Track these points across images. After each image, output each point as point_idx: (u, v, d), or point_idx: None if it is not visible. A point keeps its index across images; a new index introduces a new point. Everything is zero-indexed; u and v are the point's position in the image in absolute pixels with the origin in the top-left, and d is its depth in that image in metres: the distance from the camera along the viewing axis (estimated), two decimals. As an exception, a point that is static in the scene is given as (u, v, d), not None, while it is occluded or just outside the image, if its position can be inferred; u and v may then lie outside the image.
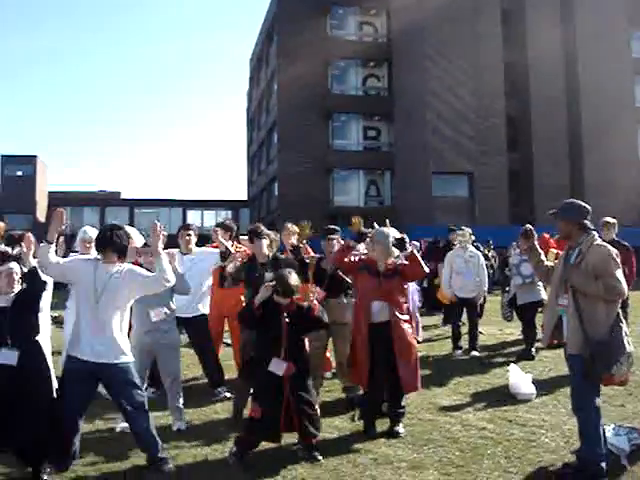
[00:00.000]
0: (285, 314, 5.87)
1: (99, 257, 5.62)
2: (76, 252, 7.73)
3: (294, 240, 8.32)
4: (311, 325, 6.10)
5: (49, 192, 55.95)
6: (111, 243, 5.53)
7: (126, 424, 6.49)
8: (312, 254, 8.03)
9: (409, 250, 6.68)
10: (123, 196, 58.89)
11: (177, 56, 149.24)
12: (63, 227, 5.51)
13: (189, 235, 8.14)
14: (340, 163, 41.50)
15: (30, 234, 6.76)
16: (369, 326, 6.55)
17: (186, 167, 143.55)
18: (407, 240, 6.75)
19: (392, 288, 6.60)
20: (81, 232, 7.73)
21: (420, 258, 6.79)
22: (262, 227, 7.56)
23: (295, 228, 8.39)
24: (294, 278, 6.00)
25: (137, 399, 5.52)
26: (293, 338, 5.87)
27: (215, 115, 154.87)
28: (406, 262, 6.72)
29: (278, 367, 5.77)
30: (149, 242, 6.18)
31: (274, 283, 5.96)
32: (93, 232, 7.61)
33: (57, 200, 54.55)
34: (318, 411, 5.96)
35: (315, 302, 6.04)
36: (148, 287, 5.65)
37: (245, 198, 56.56)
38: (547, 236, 10.53)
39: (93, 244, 7.19)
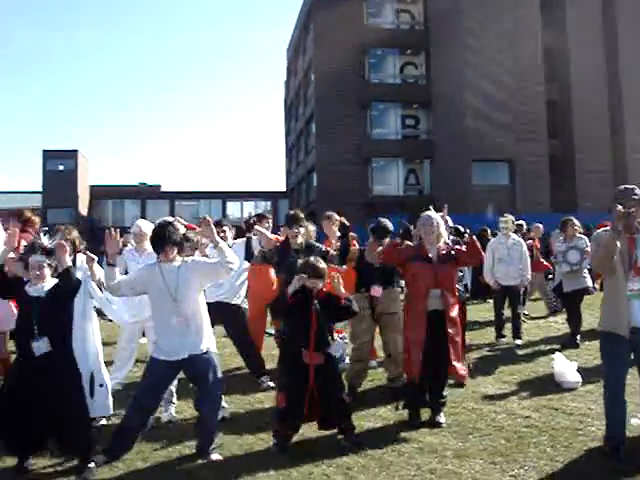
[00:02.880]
0: (315, 302, 5.89)
1: (158, 258, 5.70)
2: (125, 246, 7.84)
3: (335, 229, 8.33)
4: (340, 313, 6.09)
5: (90, 186, 56.60)
6: (168, 239, 5.61)
7: (172, 414, 6.63)
8: (356, 246, 8.03)
9: (467, 237, 6.63)
10: (163, 189, 59.35)
11: (214, 48, 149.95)
12: (120, 247, 5.66)
13: (223, 231, 8.22)
14: (378, 152, 41.37)
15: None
16: (425, 315, 6.44)
17: (225, 159, 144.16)
18: (462, 229, 6.71)
19: (446, 274, 6.51)
20: (134, 227, 7.84)
21: (478, 243, 6.69)
22: (301, 214, 7.53)
23: (336, 216, 8.39)
24: (322, 263, 6.04)
25: (215, 389, 5.67)
26: (321, 327, 5.87)
27: (253, 106, 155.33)
28: (461, 247, 6.67)
29: (306, 356, 5.78)
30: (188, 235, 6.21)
31: (304, 270, 5.97)
32: (145, 225, 7.71)
33: (99, 194, 55.29)
34: (346, 399, 5.96)
35: (342, 290, 6.01)
36: (214, 274, 5.74)
37: (284, 189, 56.71)
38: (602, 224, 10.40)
39: (145, 237, 7.34)
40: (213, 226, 5.72)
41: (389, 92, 42.08)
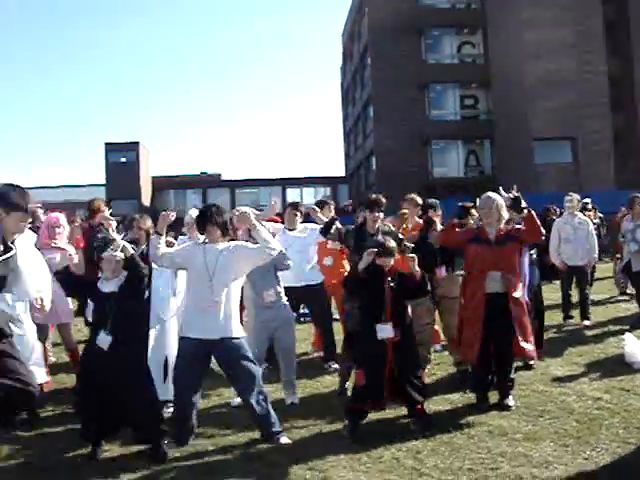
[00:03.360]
0: (388, 279, 5.88)
1: (205, 239, 5.79)
2: (184, 235, 7.94)
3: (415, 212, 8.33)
4: (414, 291, 6.07)
5: (152, 177, 57.45)
6: (213, 221, 5.69)
7: (239, 399, 6.71)
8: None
9: (525, 212, 6.49)
10: (224, 177, 59.88)
11: (270, 35, 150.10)
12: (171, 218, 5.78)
13: (296, 214, 8.35)
14: (438, 134, 41.02)
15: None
16: (483, 297, 6.42)
17: (284, 146, 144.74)
18: (522, 201, 6.56)
19: (506, 255, 6.42)
20: (187, 216, 7.94)
21: (537, 218, 6.56)
22: (383, 199, 7.46)
23: (418, 199, 8.36)
24: (392, 241, 6.05)
25: (251, 373, 5.67)
26: (396, 304, 5.87)
27: (310, 92, 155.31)
28: (520, 226, 6.57)
29: (384, 331, 5.79)
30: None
31: (375, 248, 5.99)
32: (197, 214, 7.82)
33: (160, 185, 56.07)
34: (425, 379, 5.95)
35: (418, 270, 5.99)
36: (256, 258, 5.79)
37: (343, 174, 56.65)
38: None
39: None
40: (251, 212, 5.77)
41: (447, 73, 41.64)
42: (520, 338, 6.31)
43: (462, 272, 7.19)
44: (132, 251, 5.71)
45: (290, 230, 8.31)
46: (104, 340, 5.46)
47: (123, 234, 7.04)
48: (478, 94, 42.55)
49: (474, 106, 42.80)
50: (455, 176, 41.13)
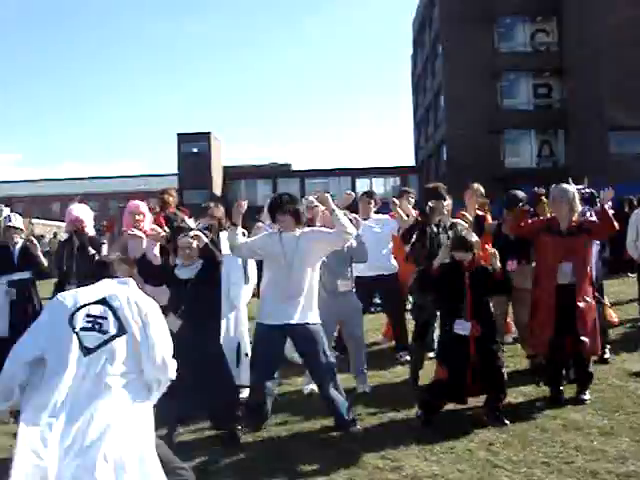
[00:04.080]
0: (467, 274, 5.85)
1: (280, 228, 5.87)
2: (261, 222, 8.04)
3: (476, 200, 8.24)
4: (494, 287, 6.00)
5: (223, 167, 58.15)
6: (284, 210, 5.75)
7: (314, 386, 6.77)
8: (490, 221, 7.93)
9: (599, 205, 6.41)
10: (294, 168, 60.22)
11: (340, 25, 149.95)
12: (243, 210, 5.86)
13: (370, 202, 8.36)
14: (510, 123, 40.32)
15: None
16: (554, 289, 6.35)
17: (354, 136, 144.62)
18: (597, 195, 6.48)
19: (577, 247, 6.33)
20: (266, 204, 8.04)
21: (610, 213, 6.45)
22: (442, 187, 7.45)
23: (481, 189, 8.27)
24: (473, 235, 6.01)
25: (326, 360, 5.74)
26: (476, 298, 5.84)
27: (381, 81, 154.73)
28: (593, 219, 6.47)
29: (463, 327, 5.78)
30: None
31: (453, 242, 5.98)
32: None
33: (231, 174, 56.70)
34: (505, 375, 5.91)
35: (499, 265, 5.95)
36: (333, 242, 5.82)
37: (413, 164, 56.29)
38: None
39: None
40: (329, 196, 5.79)
41: (520, 61, 40.86)
42: (581, 332, 6.22)
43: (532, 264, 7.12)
44: (206, 239, 5.82)
45: (364, 219, 8.24)
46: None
47: (197, 222, 7.19)
48: (552, 82, 41.66)
49: (548, 95, 41.93)
50: (527, 166, 40.40)
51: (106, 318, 3.70)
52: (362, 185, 50.92)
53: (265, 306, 5.90)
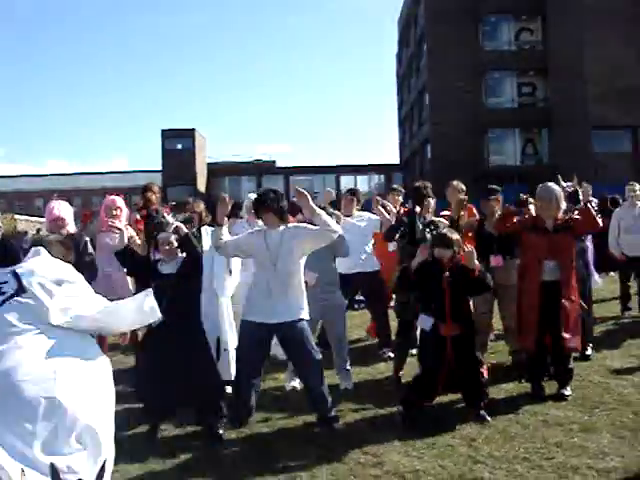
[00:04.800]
0: (447, 273, 5.86)
1: (263, 225, 5.86)
2: (240, 218, 8.03)
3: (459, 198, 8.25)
4: (474, 287, 6.01)
5: (208, 164, 57.99)
6: (269, 206, 5.73)
7: (295, 383, 6.79)
8: (475, 216, 7.95)
9: (582, 203, 6.47)
10: (278, 165, 60.17)
11: (323, 24, 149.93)
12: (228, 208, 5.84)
13: (352, 199, 8.41)
14: (494, 122, 40.49)
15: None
16: (539, 286, 6.39)
17: (338, 134, 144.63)
18: (580, 193, 6.54)
19: (562, 245, 6.39)
20: (247, 200, 8.01)
21: (594, 211, 6.51)
22: (428, 186, 7.46)
23: (462, 186, 8.29)
24: (454, 233, 6.05)
25: (313, 356, 5.74)
26: (455, 297, 5.84)
27: (364, 79, 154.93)
28: (577, 216, 6.51)
29: (424, 322, 5.82)
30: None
31: (433, 240, 6.00)
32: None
33: (215, 171, 56.58)
34: (485, 373, 5.93)
35: (477, 264, 5.94)
36: (317, 240, 5.77)
37: (397, 162, 56.40)
38: None
39: None
40: (309, 196, 5.73)
41: (504, 60, 41.04)
42: (563, 328, 6.27)
43: (516, 260, 7.15)
44: (186, 230, 5.82)
45: (347, 216, 8.26)
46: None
47: (176, 217, 7.19)
48: (536, 81, 41.83)
49: (532, 94, 42.10)
50: (512, 164, 40.61)
51: (7, 282, 4.06)
52: (347, 182, 50.97)
53: (251, 303, 5.87)
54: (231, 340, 6.64)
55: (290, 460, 5.00)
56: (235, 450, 5.32)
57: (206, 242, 6.52)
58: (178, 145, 55.59)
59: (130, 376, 6.83)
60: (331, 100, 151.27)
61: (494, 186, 7.73)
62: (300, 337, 5.72)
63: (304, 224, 5.98)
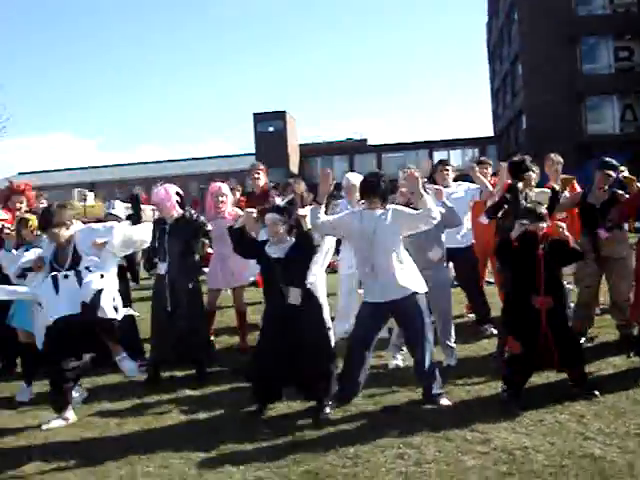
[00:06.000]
0: (541, 246, 5.79)
1: (362, 206, 5.89)
2: (341, 198, 8.06)
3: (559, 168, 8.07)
4: (567, 256, 5.94)
5: (299, 145, 58.35)
6: (375, 189, 5.76)
7: (398, 361, 6.83)
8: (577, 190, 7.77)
9: None
10: (370, 142, 59.99)
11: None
12: (330, 187, 5.89)
13: (447, 170, 8.30)
14: (591, 89, 39.13)
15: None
16: None
17: (431, 108, 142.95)
18: None
19: None
20: (344, 180, 8.05)
21: None
22: (527, 159, 7.33)
23: (559, 158, 8.11)
24: (542, 207, 5.97)
25: (424, 331, 5.77)
26: (550, 270, 5.77)
27: (455, 51, 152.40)
28: None
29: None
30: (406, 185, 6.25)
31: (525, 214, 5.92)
32: (354, 177, 7.93)
33: (307, 152, 56.89)
34: (581, 345, 5.83)
35: (568, 235, 5.85)
36: (416, 224, 5.78)
37: (491, 134, 55.37)
38: None
39: (355, 189, 7.54)
40: (419, 179, 5.74)
41: (599, 24, 39.53)
42: None
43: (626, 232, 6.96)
44: (307, 225, 5.89)
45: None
46: (296, 296, 5.72)
47: (281, 198, 7.27)
48: (633, 45, 40.19)
49: (629, 58, 40.43)
50: (610, 133, 39.26)
51: None
52: (440, 157, 50.35)
53: (365, 285, 5.98)
54: (327, 316, 6.65)
55: (396, 437, 5.03)
56: (341, 428, 5.38)
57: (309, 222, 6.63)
58: (270, 128, 56.17)
59: (238, 356, 7.04)
60: (422, 73, 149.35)
61: (611, 161, 7.37)
62: (412, 311, 5.76)
63: (403, 207, 5.97)
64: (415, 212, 5.78)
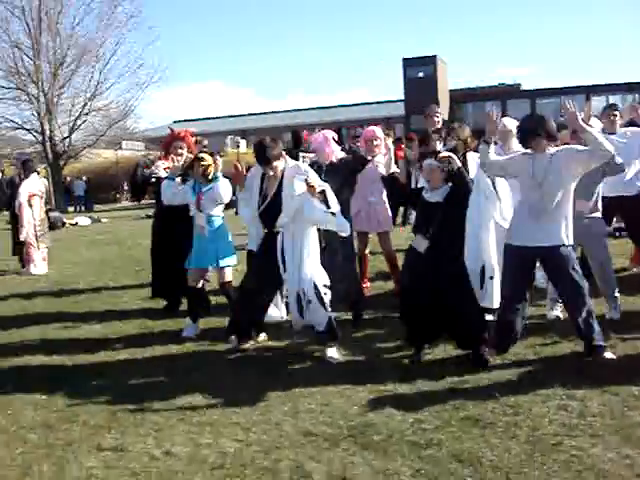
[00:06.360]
0: None
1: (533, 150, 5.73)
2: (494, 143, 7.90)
3: None
4: None
5: (450, 90, 57.27)
6: (535, 131, 5.58)
7: (557, 312, 6.70)
8: None
9: None
10: (523, 87, 58.05)
11: None
12: (497, 126, 5.75)
13: (614, 115, 8.00)
14: None
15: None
16: None
17: (588, 52, 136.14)
18: None
19: None
20: (501, 124, 7.84)
21: None
22: None
23: None
24: None
25: (578, 285, 5.55)
26: None
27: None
28: None
29: None
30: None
31: None
32: (510, 122, 7.72)
33: (458, 98, 55.78)
34: None
35: None
36: (588, 161, 5.52)
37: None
38: None
39: (510, 134, 7.36)
40: (577, 113, 5.50)
41: None
42: None
43: None
44: (458, 164, 5.80)
45: (610, 134, 7.68)
46: (421, 243, 5.74)
47: (443, 144, 7.18)
48: None
49: None
50: None
51: None
52: (598, 103, 48.14)
53: (516, 227, 5.79)
54: (497, 267, 6.56)
55: (558, 388, 4.93)
56: (499, 377, 5.32)
57: (472, 169, 6.51)
58: (419, 73, 55.38)
59: (393, 300, 7.10)
60: (574, 17, 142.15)
61: None
62: (564, 263, 5.55)
63: (575, 145, 5.74)
64: (585, 148, 5.52)
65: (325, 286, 6.00)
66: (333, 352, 6.04)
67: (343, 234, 6.28)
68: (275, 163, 6.05)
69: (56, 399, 5.33)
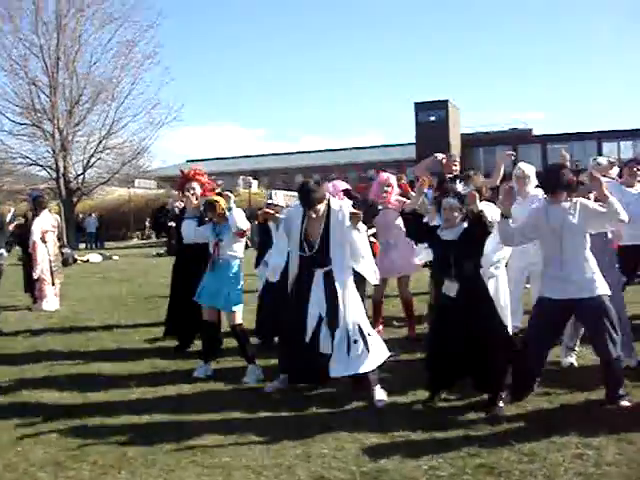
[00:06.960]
0: None
1: (546, 200, 5.77)
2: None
3: None
4: None
5: (461, 134, 57.62)
6: (559, 182, 5.60)
7: (572, 359, 6.69)
8: None
9: None
10: (535, 133, 58.32)
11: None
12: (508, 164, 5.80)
13: (638, 169, 7.88)
14: None
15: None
16: None
17: (596, 98, 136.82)
18: None
19: None
20: (516, 170, 7.91)
21: None
22: None
23: None
24: None
25: (609, 335, 5.52)
26: None
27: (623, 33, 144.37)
28: None
29: None
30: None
31: None
32: (528, 168, 7.80)
33: (469, 142, 56.12)
34: None
35: None
36: (603, 221, 5.63)
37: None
38: None
39: (528, 179, 7.44)
40: (603, 181, 5.56)
41: None
42: None
43: None
44: (480, 207, 5.81)
45: (628, 186, 7.69)
46: (451, 288, 5.68)
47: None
48: None
49: None
50: None
51: None
52: (609, 149, 48.32)
53: (546, 279, 5.80)
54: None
55: (574, 437, 4.86)
56: (516, 424, 5.26)
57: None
58: (431, 117, 55.79)
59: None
60: (585, 65, 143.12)
61: None
62: (598, 314, 5.53)
63: (590, 202, 5.75)
64: (602, 209, 5.57)
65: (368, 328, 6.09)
66: (381, 394, 5.98)
67: (373, 281, 6.36)
68: (319, 206, 6.09)
69: (67, 438, 5.30)
